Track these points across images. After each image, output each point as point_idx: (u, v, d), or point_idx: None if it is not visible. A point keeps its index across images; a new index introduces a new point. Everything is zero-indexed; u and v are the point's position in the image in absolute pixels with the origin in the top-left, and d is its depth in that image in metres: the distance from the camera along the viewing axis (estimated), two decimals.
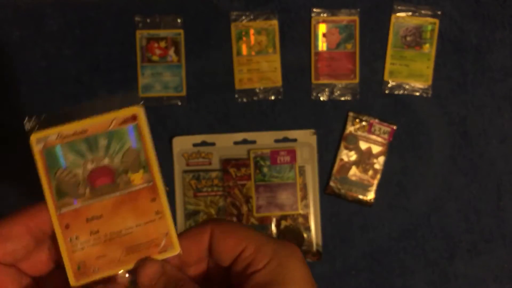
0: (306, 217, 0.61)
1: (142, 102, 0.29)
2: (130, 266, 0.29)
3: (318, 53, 0.62)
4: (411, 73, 0.62)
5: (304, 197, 0.61)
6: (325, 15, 0.62)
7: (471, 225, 0.61)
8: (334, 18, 0.62)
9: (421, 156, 0.62)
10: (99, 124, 0.28)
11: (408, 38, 0.62)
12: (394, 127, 0.61)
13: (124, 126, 0.29)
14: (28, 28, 0.61)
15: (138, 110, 0.29)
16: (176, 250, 0.29)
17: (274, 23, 0.62)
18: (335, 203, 0.61)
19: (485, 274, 0.61)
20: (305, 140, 0.62)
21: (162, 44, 0.62)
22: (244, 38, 0.62)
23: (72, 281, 0.28)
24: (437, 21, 0.62)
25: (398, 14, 0.62)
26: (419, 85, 0.62)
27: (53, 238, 0.29)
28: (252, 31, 0.62)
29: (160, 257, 0.29)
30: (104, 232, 0.28)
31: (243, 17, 0.62)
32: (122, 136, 0.29)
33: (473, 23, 0.62)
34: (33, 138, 0.28)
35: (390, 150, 0.61)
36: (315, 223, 0.61)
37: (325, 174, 0.62)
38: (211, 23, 0.62)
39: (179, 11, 0.62)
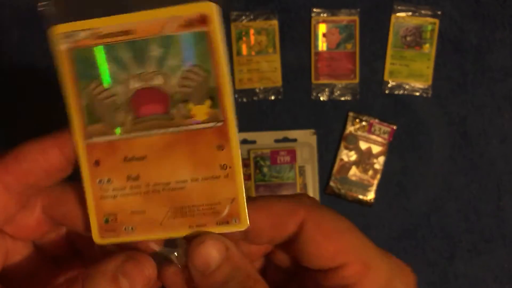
0: None
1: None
2: (175, 234, 0.21)
3: (318, 53, 0.62)
4: (411, 73, 0.62)
5: None
6: (325, 15, 0.62)
7: (471, 225, 0.61)
8: (334, 18, 0.62)
9: (421, 156, 0.62)
10: (151, 23, 0.20)
11: (408, 38, 0.62)
12: (394, 127, 0.61)
13: (188, 31, 0.20)
14: (28, 28, 0.61)
15: (210, 9, 0.19)
16: (243, 225, 0.21)
17: (274, 23, 0.62)
18: (335, 203, 0.61)
19: (485, 274, 0.61)
20: (305, 140, 0.62)
21: None
22: (244, 38, 0.62)
23: (96, 236, 0.21)
24: (437, 21, 0.62)
25: (398, 14, 0.62)
26: (419, 85, 0.62)
27: (49, 195, 0.22)
28: (252, 31, 0.62)
29: (218, 230, 0.21)
30: (147, 180, 0.21)
31: (243, 17, 0.62)
32: (184, 46, 0.20)
33: (473, 23, 0.62)
34: (56, 31, 0.20)
35: (390, 150, 0.61)
36: None
37: (325, 174, 0.62)
38: None
39: None
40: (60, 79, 0.20)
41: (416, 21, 0.62)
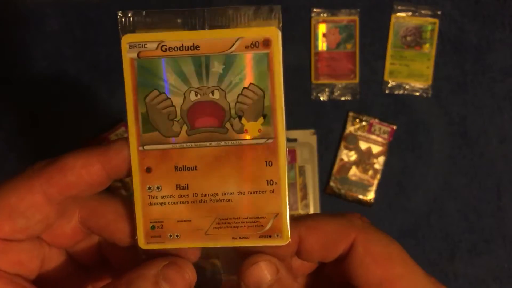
0: None
1: (280, 25, 0.21)
2: (219, 244, 0.22)
3: (318, 53, 0.62)
4: (411, 73, 0.62)
5: (304, 197, 0.61)
6: (325, 15, 0.62)
7: (471, 225, 0.61)
8: (334, 18, 0.62)
9: (421, 156, 0.62)
10: (217, 41, 0.21)
11: (408, 38, 0.62)
12: (394, 127, 0.61)
13: (250, 52, 0.21)
14: (28, 28, 0.61)
15: (275, 33, 0.21)
16: (285, 240, 0.21)
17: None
18: (335, 203, 0.61)
19: (485, 274, 0.61)
20: (305, 140, 0.62)
21: None
22: None
23: (141, 241, 0.22)
24: (437, 21, 0.62)
25: (398, 14, 0.62)
26: (419, 85, 0.62)
27: (89, 204, 0.22)
28: None
29: (260, 242, 0.22)
30: (195, 190, 0.22)
31: None
32: (245, 65, 0.21)
33: (473, 23, 0.62)
34: (126, 40, 0.22)
35: (390, 150, 0.61)
36: None
37: (325, 174, 0.62)
38: None
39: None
40: (125, 86, 0.22)
41: (416, 21, 0.62)
